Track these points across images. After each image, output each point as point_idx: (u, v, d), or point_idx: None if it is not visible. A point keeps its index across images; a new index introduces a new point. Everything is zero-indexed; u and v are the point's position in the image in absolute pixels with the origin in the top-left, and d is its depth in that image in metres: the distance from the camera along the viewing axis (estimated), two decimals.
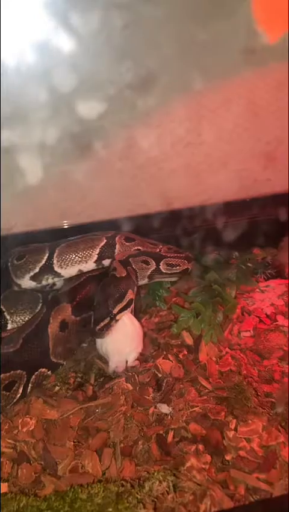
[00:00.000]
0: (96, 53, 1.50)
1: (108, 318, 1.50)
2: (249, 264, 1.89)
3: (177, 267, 1.75)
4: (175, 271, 1.76)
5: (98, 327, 1.48)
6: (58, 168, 1.65)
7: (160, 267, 1.73)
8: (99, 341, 1.55)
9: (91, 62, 1.51)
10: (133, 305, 1.59)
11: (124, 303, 1.55)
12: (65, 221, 1.86)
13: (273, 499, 1.12)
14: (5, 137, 1.51)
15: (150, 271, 1.73)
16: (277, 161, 1.85)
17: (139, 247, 1.78)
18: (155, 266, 1.72)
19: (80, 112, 1.50)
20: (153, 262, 1.72)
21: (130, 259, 1.70)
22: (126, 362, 1.54)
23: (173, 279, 1.83)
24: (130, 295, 1.57)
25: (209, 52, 1.57)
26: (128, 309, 1.56)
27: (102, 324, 1.49)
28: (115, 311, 1.52)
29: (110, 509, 1.09)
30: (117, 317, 1.53)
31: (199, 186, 1.92)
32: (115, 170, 1.76)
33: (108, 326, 1.50)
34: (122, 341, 1.54)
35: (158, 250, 1.80)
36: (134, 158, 1.77)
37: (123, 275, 1.62)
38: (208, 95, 1.71)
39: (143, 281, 1.74)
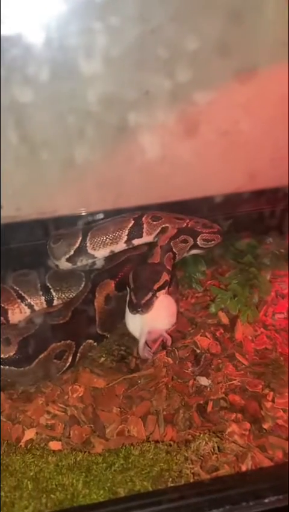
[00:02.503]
0: (209, 49, 1.68)
1: (151, 294, 1.57)
2: (282, 250, 1.96)
3: (212, 242, 1.86)
4: (210, 245, 1.86)
5: (143, 301, 1.54)
6: (169, 146, 1.82)
7: (197, 242, 1.83)
8: (131, 318, 1.61)
9: (205, 57, 1.69)
10: (168, 287, 1.67)
11: (161, 282, 1.62)
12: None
13: None
14: (132, 117, 1.72)
15: (188, 247, 1.83)
16: None
17: (167, 225, 1.85)
18: (193, 242, 1.82)
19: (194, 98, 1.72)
20: (191, 239, 1.82)
21: (171, 243, 1.78)
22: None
23: (204, 251, 1.92)
24: (165, 276, 1.65)
25: None
26: (164, 289, 1.64)
27: (146, 298, 1.55)
28: (155, 287, 1.60)
29: (162, 464, 1.19)
30: (157, 294, 1.59)
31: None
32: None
33: (151, 301, 1.57)
34: (157, 311, 1.59)
35: (186, 224, 1.88)
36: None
37: (156, 262, 1.71)
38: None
39: (181, 256, 1.84)
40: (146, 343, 1.60)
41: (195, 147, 1.85)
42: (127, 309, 1.60)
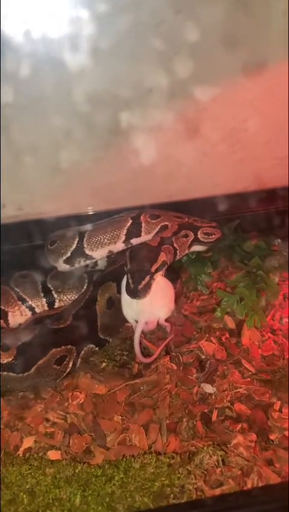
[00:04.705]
0: (211, 43, 1.58)
1: (148, 277, 1.52)
2: None
3: (213, 236, 1.81)
4: (211, 239, 1.82)
5: (140, 286, 1.49)
6: (168, 147, 1.75)
7: (198, 236, 1.78)
8: (127, 302, 1.56)
9: (207, 51, 1.59)
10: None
11: (158, 263, 1.58)
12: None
13: None
14: (124, 118, 1.63)
15: (189, 241, 1.78)
16: None
17: (166, 223, 1.81)
18: (194, 236, 1.78)
19: (195, 95, 1.63)
20: (192, 233, 1.78)
21: (173, 239, 1.73)
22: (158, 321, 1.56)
23: (206, 247, 1.87)
24: (162, 257, 1.61)
25: None
26: (162, 270, 1.60)
27: (143, 283, 1.50)
28: (153, 269, 1.55)
29: (163, 479, 1.14)
30: (154, 276, 1.55)
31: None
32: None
33: (148, 285, 1.52)
34: (155, 295, 1.54)
35: (185, 221, 1.84)
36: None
37: (154, 244, 1.66)
38: None
39: (184, 253, 1.79)
40: (143, 333, 1.54)
41: (197, 147, 1.79)
42: (123, 291, 1.55)
